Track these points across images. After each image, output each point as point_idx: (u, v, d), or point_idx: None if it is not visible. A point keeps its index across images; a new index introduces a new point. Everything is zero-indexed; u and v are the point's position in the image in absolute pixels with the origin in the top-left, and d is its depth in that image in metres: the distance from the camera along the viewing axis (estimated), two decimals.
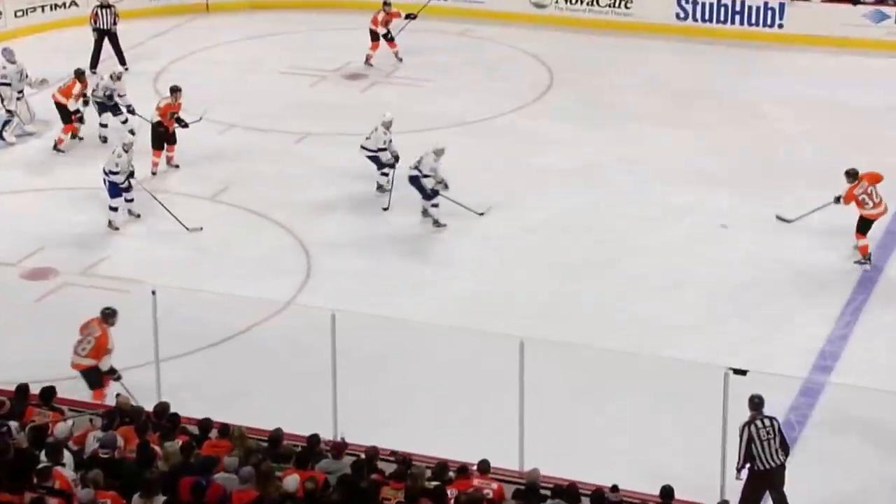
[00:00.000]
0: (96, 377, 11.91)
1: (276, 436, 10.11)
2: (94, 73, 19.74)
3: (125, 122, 17.99)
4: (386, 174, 16.31)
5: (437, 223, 15.50)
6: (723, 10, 22.08)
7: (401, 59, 20.71)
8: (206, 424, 10.33)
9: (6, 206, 16.28)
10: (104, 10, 20.56)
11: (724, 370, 9.76)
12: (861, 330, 13.44)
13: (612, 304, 13.91)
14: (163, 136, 17.09)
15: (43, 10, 22.21)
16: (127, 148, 15.60)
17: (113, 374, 11.90)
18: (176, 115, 17.15)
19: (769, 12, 21.90)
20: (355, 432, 10.56)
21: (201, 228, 15.61)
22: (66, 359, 12.59)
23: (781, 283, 14.33)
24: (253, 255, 15.05)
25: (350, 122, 18.74)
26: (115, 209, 15.61)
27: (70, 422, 10.40)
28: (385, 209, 16.05)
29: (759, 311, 13.80)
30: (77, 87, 17.71)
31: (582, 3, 22.67)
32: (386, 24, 20.60)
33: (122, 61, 20.44)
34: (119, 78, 17.97)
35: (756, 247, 15.14)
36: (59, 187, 16.84)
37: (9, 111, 18.01)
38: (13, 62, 18.11)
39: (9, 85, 18.04)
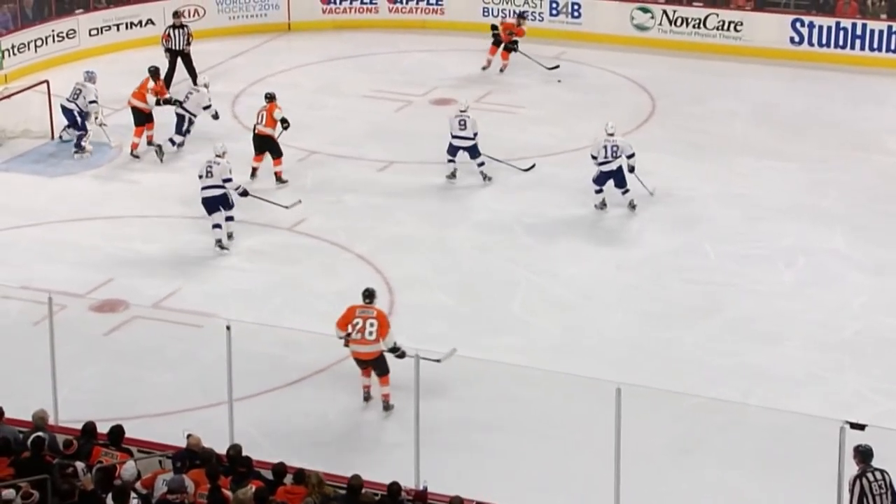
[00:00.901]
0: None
1: (356, 483, 10.15)
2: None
3: (216, 116, 18.91)
4: (483, 163, 17.58)
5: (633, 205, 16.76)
6: (842, 33, 21.88)
7: (501, 71, 21.58)
8: (280, 469, 10.41)
9: (74, 235, 16.61)
10: (177, 31, 21.03)
11: (840, 424, 9.62)
12: None
13: (716, 351, 13.78)
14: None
15: (118, 29, 22.72)
16: (223, 156, 16.16)
17: None
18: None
19: (893, 37, 21.64)
20: (438, 480, 10.58)
21: (300, 201, 16.70)
22: (135, 397, 12.81)
23: None
24: (333, 289, 15.15)
25: (437, 149, 18.92)
26: (218, 225, 16.05)
27: (138, 463, 10.55)
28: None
29: (878, 362, 13.58)
30: (151, 84, 18.69)
31: (688, 25, 22.62)
32: (511, 34, 21.53)
33: (195, 82, 20.82)
34: (207, 86, 19.01)
35: (875, 291, 14.92)
36: (128, 215, 17.16)
37: (100, 124, 18.92)
38: (94, 82, 18.97)
39: (96, 103, 18.83)
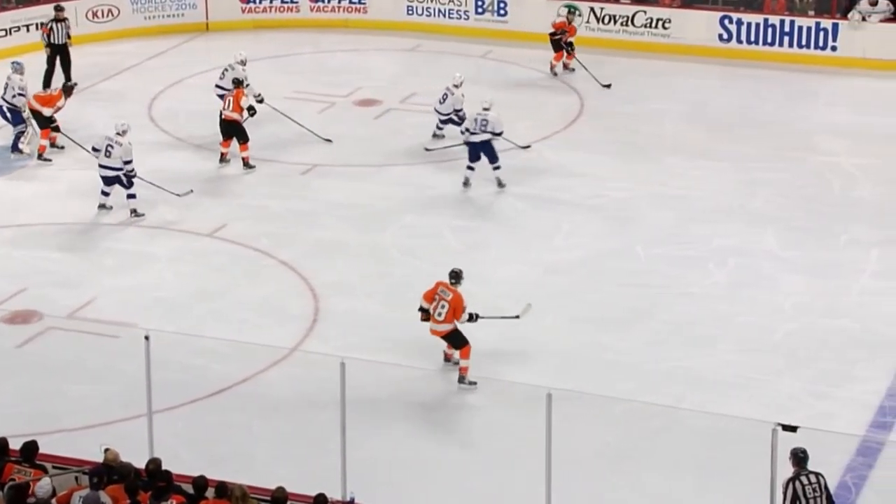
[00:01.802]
0: None
1: (280, 496, 10.11)
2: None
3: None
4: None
5: (501, 184, 17.39)
6: (770, 30, 22.20)
7: (555, 74, 21.53)
8: (201, 483, 10.34)
9: None
10: (58, 24, 20.95)
11: (772, 427, 9.75)
12: None
13: (649, 355, 13.90)
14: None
15: (28, 30, 22.47)
16: (125, 135, 16.63)
17: None
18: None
19: (821, 33, 22.00)
20: (366, 492, 10.58)
21: (191, 191, 16.87)
22: (50, 411, 12.68)
23: (836, 332, 14.31)
24: (255, 297, 15.12)
25: (362, 152, 18.93)
26: (134, 196, 16.73)
27: (53, 480, 10.43)
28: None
29: (811, 363, 13.78)
30: (62, 101, 18.52)
31: (615, 22, 22.82)
32: (565, 33, 21.55)
33: (68, 78, 20.79)
34: (244, 63, 19.12)
35: (808, 292, 15.14)
36: (41, 222, 16.97)
37: (27, 123, 18.68)
38: (20, 73, 18.76)
39: (24, 96, 18.59)
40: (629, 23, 22.76)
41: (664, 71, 21.86)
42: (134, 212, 16.78)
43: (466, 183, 17.59)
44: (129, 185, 16.73)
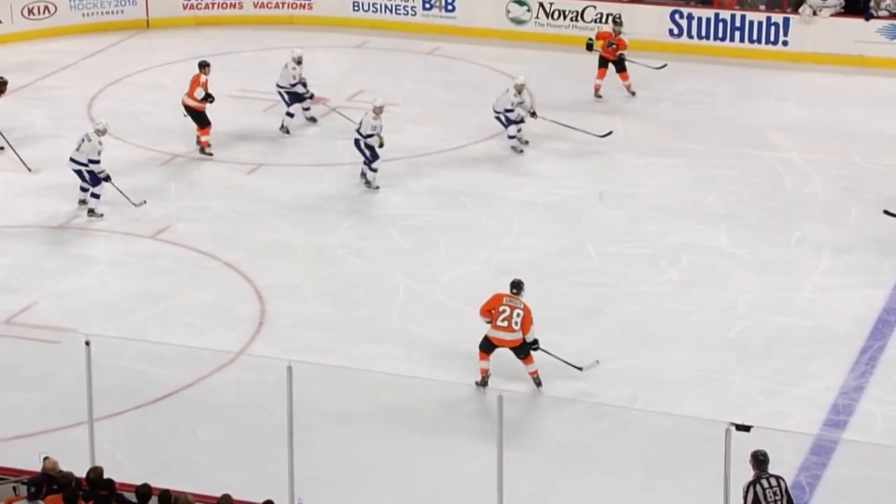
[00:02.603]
0: None
1: (226, 503, 10.08)
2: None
3: (307, 108, 19.40)
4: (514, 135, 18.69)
5: (369, 184, 17.49)
6: (721, 25, 22.38)
7: (633, 93, 20.57)
8: (144, 491, 10.28)
9: None
10: None
11: (725, 426, 9.83)
12: (878, 380, 13.55)
13: (600, 354, 13.93)
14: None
15: None
16: (103, 132, 16.62)
17: None
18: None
19: (772, 28, 22.20)
20: (314, 499, 10.57)
21: (145, 202, 16.89)
22: None
23: (789, 330, 14.44)
24: (200, 300, 15.05)
25: (308, 151, 18.90)
26: (97, 196, 16.71)
27: None
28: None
29: (764, 361, 13.90)
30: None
31: (565, 18, 22.92)
32: (612, 45, 20.30)
33: None
34: (299, 62, 19.07)
35: (761, 290, 15.27)
36: None
37: None
38: None
39: None
40: (579, 17, 22.86)
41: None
42: (91, 211, 16.73)
43: None
44: (94, 183, 16.68)
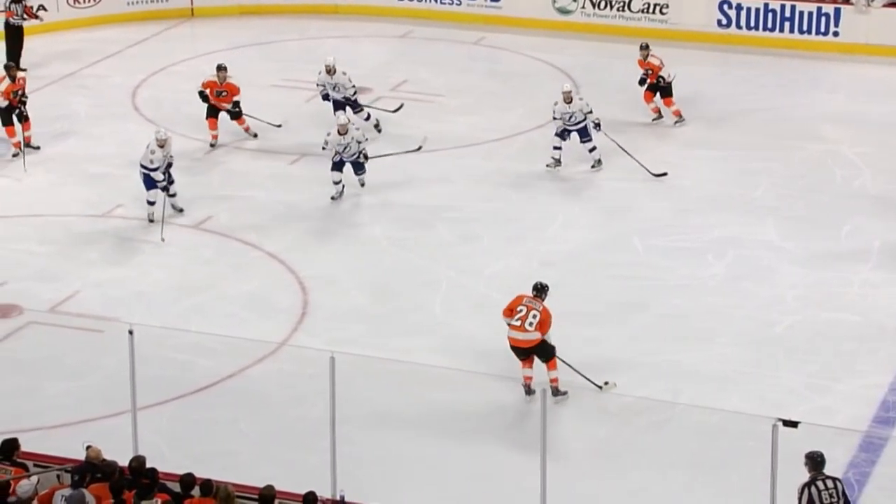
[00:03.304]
0: None
1: (268, 494, 10.13)
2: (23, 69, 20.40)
3: (367, 118, 18.73)
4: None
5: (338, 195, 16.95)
6: (770, 15, 22.22)
7: (682, 119, 19.28)
8: (187, 481, 10.37)
9: None
10: (15, 6, 21.04)
11: (772, 422, 9.80)
12: None
13: (643, 349, 13.93)
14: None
15: None
16: (162, 143, 16.23)
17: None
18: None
19: (823, 18, 22.02)
20: (356, 490, 10.61)
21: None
22: (30, 408, 12.69)
23: (837, 325, 14.35)
24: (242, 290, 15.14)
25: None
26: (152, 203, 16.34)
27: (35, 479, 10.45)
28: None
29: (811, 357, 13.82)
30: (4, 84, 18.02)
31: (611, 8, 22.85)
32: (650, 73, 19.24)
33: (17, 62, 20.81)
34: (332, 71, 18.57)
35: (809, 284, 15.18)
36: (20, 214, 16.96)
37: None
38: None
39: None
40: (626, 7, 22.78)
41: (661, 57, 21.84)
42: (173, 206, 16.55)
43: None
44: (159, 187, 16.36)
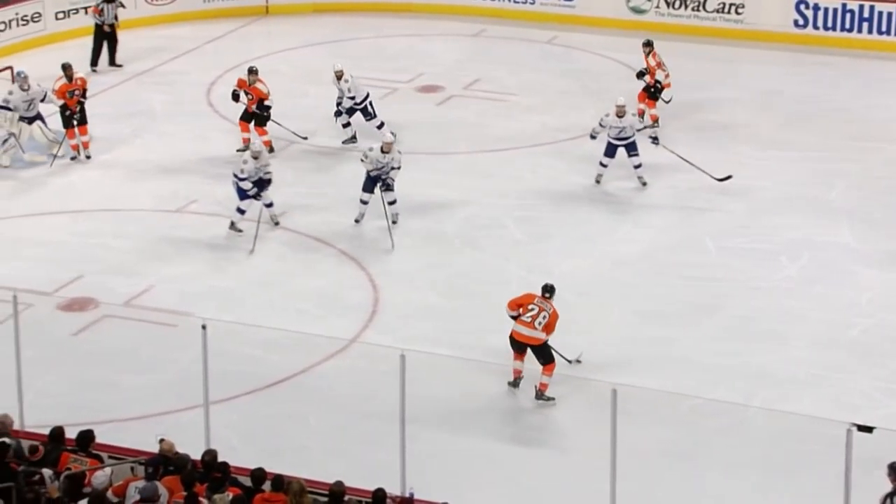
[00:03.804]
0: None
1: (338, 490, 10.18)
2: (95, 70, 20.92)
3: (381, 126, 18.35)
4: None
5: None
6: (848, 16, 21.96)
7: (655, 126, 18.44)
8: (259, 475, 10.44)
9: (39, 230, 16.60)
10: (108, 6, 21.25)
11: (846, 427, 9.69)
12: None
13: (716, 350, 13.84)
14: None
15: (87, 12, 22.65)
16: (255, 155, 16.18)
17: None
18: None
19: None
20: (425, 487, 10.63)
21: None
22: (105, 400, 12.84)
23: None
24: (314, 287, 15.22)
25: (424, 139, 18.96)
26: (242, 211, 16.26)
27: (109, 470, 10.57)
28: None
29: (887, 361, 13.67)
30: (59, 83, 18.10)
31: (686, 7, 22.70)
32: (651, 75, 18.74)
33: (113, 62, 21.19)
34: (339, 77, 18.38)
35: (884, 287, 15.00)
36: (96, 209, 17.17)
37: (10, 133, 18.17)
38: (25, 89, 18.13)
39: (10, 109, 18.16)
40: (701, 7, 22.62)
41: (735, 57, 21.71)
42: (271, 217, 16.41)
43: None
44: (241, 196, 16.22)
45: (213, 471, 10.46)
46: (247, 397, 13.05)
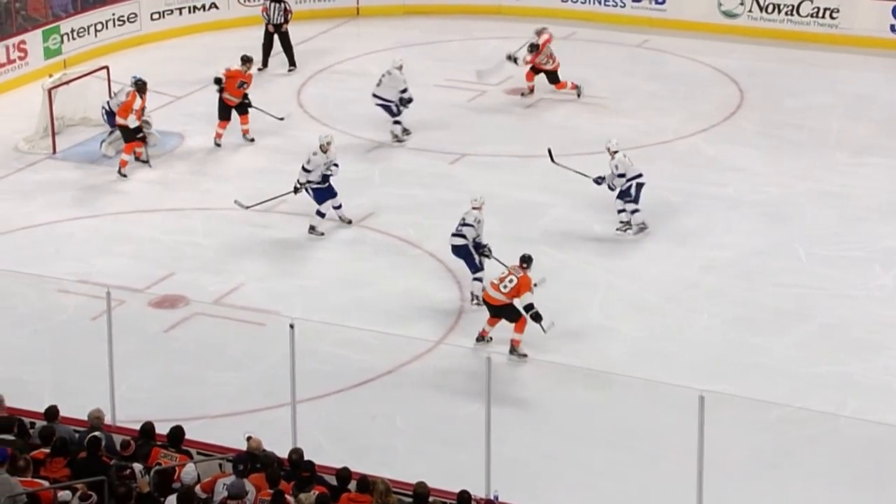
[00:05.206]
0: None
1: (422, 491, 10.21)
2: (263, 69, 21.15)
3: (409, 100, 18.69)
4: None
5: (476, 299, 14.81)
6: None
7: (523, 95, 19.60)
8: (344, 475, 10.50)
9: (133, 228, 16.84)
10: (273, 5, 21.42)
11: None
12: None
13: (806, 359, 13.68)
14: (228, 107, 18.68)
15: (181, 13, 22.97)
16: (324, 147, 16.30)
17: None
18: (245, 85, 18.59)
19: None
20: (510, 490, 10.62)
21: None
22: (193, 397, 12.99)
23: None
24: (401, 288, 15.27)
25: (512, 142, 18.95)
26: (322, 214, 16.35)
27: (198, 466, 10.70)
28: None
29: None
30: (137, 102, 17.94)
31: (780, 11, 22.45)
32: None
33: (292, 61, 21.42)
34: (401, 69, 18.65)
35: None
36: (189, 207, 17.37)
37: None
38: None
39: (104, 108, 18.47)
40: (794, 12, 22.36)
41: (830, 63, 21.43)
42: (313, 228, 16.38)
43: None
44: (319, 199, 16.30)
45: (299, 469, 10.53)
46: (333, 396, 13.13)
